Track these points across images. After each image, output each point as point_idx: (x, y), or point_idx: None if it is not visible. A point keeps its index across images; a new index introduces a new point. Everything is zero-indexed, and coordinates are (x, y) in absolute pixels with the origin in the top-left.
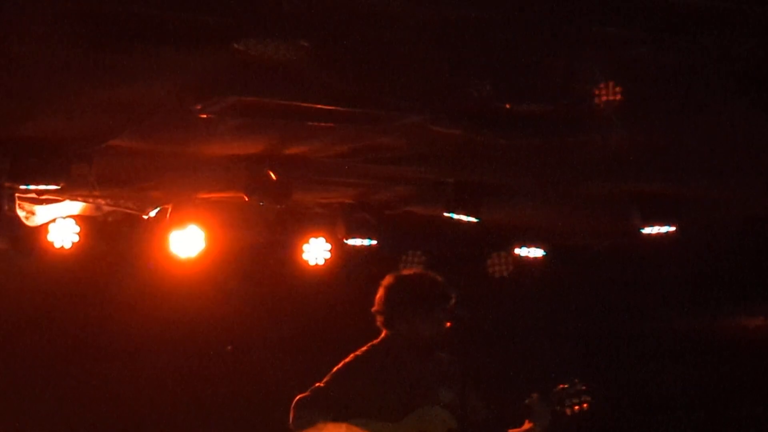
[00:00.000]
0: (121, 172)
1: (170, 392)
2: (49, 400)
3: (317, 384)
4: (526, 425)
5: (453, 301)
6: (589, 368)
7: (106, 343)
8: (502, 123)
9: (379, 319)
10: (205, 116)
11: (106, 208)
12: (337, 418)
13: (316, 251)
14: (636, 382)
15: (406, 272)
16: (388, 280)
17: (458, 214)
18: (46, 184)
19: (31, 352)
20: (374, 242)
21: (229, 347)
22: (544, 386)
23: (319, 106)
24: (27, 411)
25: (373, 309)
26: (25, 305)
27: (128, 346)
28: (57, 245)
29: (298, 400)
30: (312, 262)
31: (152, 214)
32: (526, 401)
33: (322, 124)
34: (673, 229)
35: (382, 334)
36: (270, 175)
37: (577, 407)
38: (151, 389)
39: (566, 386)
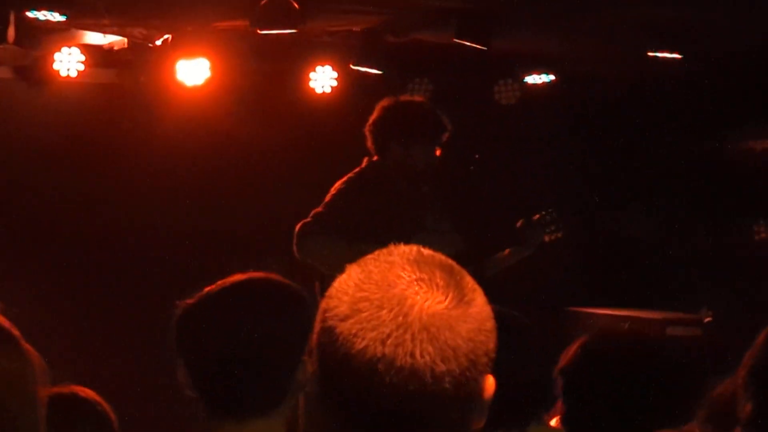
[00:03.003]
0: (127, 1)
1: (179, 217)
2: (59, 230)
3: (316, 210)
4: (512, 249)
5: (448, 133)
6: (598, 195)
7: (113, 169)
8: None
9: (373, 140)
10: None
11: (112, 37)
12: (345, 242)
13: (322, 79)
14: (645, 208)
15: (404, 98)
16: (387, 102)
17: (466, 41)
18: (52, 11)
19: (39, 180)
20: (381, 72)
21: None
22: (526, 216)
23: None
24: (34, 244)
25: (367, 129)
26: (31, 134)
27: (137, 171)
28: (62, 74)
29: (302, 225)
30: (319, 90)
31: (158, 42)
32: (518, 225)
33: None
34: (678, 56)
35: (367, 160)
36: (284, 2)
37: (553, 236)
38: (159, 214)
39: (544, 213)
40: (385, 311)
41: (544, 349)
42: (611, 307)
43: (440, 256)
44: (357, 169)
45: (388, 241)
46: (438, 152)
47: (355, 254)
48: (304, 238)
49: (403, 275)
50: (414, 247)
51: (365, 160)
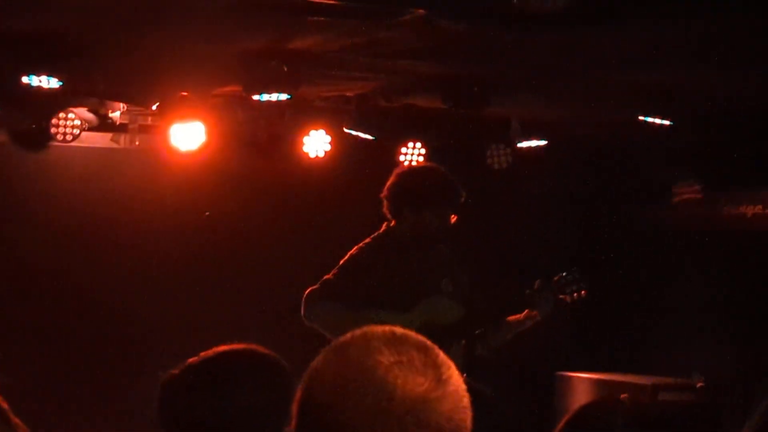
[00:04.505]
0: (124, 67)
1: (174, 286)
2: (53, 294)
3: (326, 276)
4: (526, 313)
5: (463, 199)
6: (589, 258)
7: (107, 235)
8: (507, 19)
9: (388, 206)
10: (207, 12)
11: (108, 102)
12: (349, 309)
13: (316, 143)
14: (637, 271)
15: (420, 164)
16: (402, 168)
17: (454, 107)
18: (50, 77)
19: (32, 244)
20: (373, 138)
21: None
22: (544, 276)
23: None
24: (27, 306)
25: (383, 195)
26: (27, 198)
27: (129, 237)
28: (59, 138)
29: (310, 292)
30: (312, 155)
31: (154, 107)
32: (527, 291)
33: (323, 19)
34: (668, 122)
35: (385, 226)
36: (276, 68)
37: (576, 294)
38: (154, 281)
39: (565, 274)
40: (369, 397)
41: (511, 426)
42: (602, 372)
43: (414, 336)
44: (375, 234)
45: (395, 308)
46: (453, 218)
47: (360, 322)
48: (310, 304)
49: (382, 359)
50: (387, 329)
51: (384, 226)
